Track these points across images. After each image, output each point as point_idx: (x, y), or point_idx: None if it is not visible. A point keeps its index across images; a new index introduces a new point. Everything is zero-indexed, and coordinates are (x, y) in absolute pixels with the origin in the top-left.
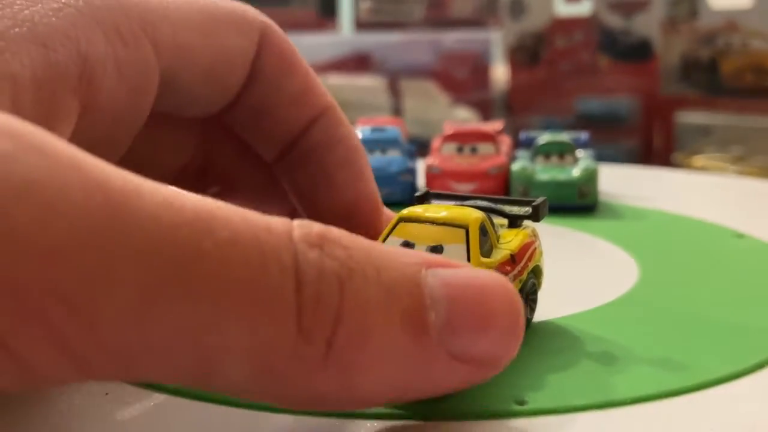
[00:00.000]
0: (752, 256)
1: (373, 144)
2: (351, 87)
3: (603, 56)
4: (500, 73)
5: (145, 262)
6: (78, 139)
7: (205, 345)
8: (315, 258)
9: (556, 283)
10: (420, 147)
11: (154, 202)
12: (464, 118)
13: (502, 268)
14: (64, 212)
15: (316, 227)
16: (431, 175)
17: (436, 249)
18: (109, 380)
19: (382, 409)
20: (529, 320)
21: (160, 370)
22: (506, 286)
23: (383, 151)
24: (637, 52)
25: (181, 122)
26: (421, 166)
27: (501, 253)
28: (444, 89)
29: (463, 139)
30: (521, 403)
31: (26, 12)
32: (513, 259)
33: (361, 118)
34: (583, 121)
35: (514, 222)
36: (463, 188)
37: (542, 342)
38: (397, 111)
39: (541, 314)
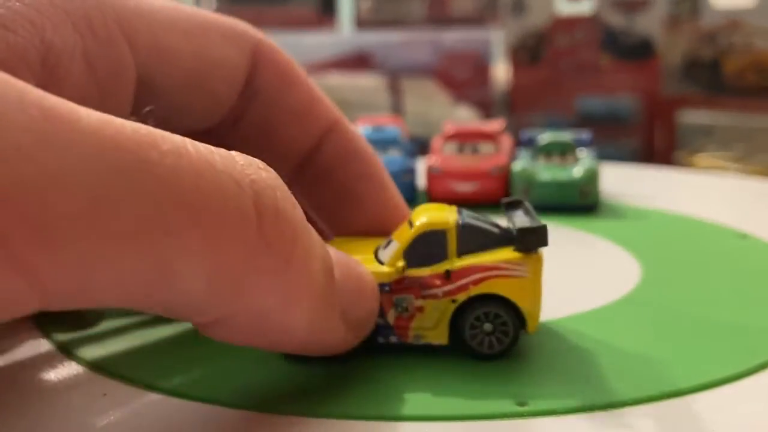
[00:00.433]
0: (755, 256)
1: (373, 143)
2: (351, 86)
3: (604, 55)
4: (501, 72)
5: (91, 169)
6: None
7: (162, 247)
8: (265, 177)
9: (557, 283)
10: (420, 146)
11: (94, 119)
12: (465, 117)
13: (431, 281)
14: (4, 126)
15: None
16: (432, 175)
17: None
18: (68, 304)
19: (381, 410)
20: (489, 354)
21: (117, 282)
22: (365, 269)
23: (383, 150)
24: (639, 51)
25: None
26: (421, 165)
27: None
28: (444, 88)
29: (464, 139)
30: (522, 404)
31: None
32: (447, 275)
33: (362, 117)
34: (585, 120)
35: (520, 245)
36: (464, 188)
37: (543, 343)
38: (397, 110)
39: (542, 315)
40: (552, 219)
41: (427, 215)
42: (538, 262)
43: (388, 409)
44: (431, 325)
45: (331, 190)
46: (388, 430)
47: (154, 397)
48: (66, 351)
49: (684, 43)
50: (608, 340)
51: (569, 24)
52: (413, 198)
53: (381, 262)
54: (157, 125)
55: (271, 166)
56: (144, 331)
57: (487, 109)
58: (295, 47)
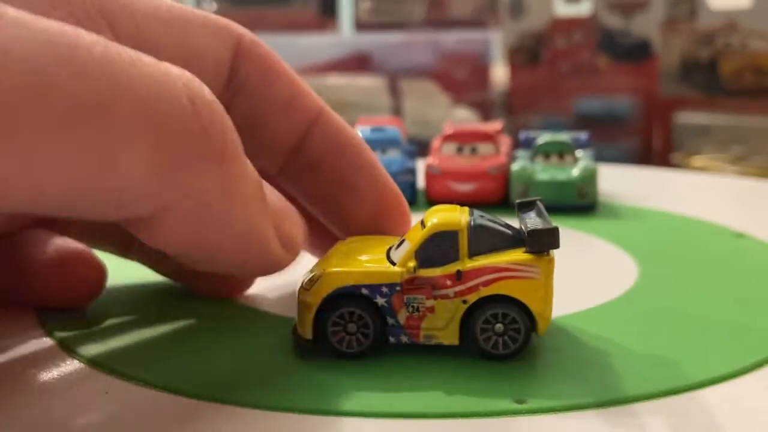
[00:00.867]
0: (752, 256)
1: (373, 144)
2: (351, 87)
3: (602, 56)
4: (500, 73)
5: (27, 52)
6: None
7: (100, 131)
8: (193, 78)
9: (555, 282)
10: (419, 147)
11: (18, 15)
12: (464, 118)
13: (442, 281)
14: None
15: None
16: (431, 175)
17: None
18: (13, 197)
19: (376, 407)
20: (500, 354)
21: (59, 168)
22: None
23: (383, 151)
24: (637, 53)
25: None
26: (421, 166)
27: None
28: (444, 89)
29: (463, 139)
30: (520, 401)
31: None
32: (458, 276)
33: (361, 118)
34: (583, 121)
35: (531, 246)
36: (463, 188)
37: (541, 341)
38: (396, 111)
39: None
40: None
41: (439, 216)
42: (550, 263)
43: (383, 406)
44: (442, 326)
45: (325, 181)
46: (384, 427)
47: (156, 394)
48: (67, 348)
49: (681, 44)
50: (605, 338)
51: (567, 25)
52: (413, 198)
53: (393, 263)
54: None
55: (260, 160)
56: (145, 329)
57: (486, 110)
58: (295, 49)
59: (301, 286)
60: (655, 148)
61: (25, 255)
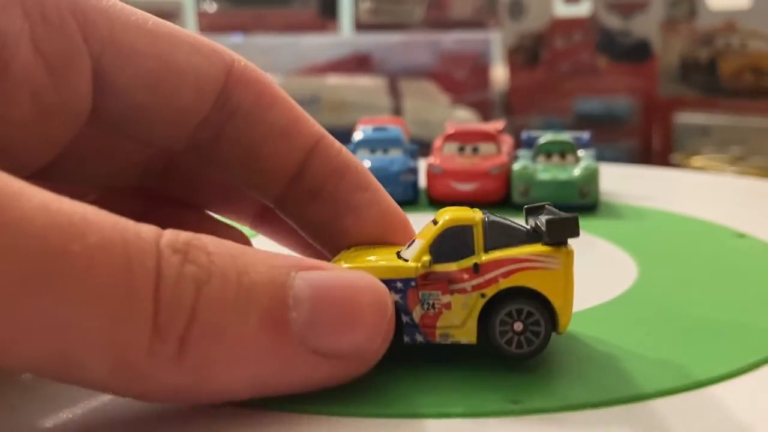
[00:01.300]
0: (753, 256)
1: (375, 144)
2: (351, 87)
3: (602, 57)
4: (500, 73)
5: (15, 258)
6: None
7: (67, 339)
8: (176, 262)
9: None
10: (420, 147)
11: (31, 205)
12: (464, 118)
13: (459, 275)
14: None
15: (183, 235)
16: (433, 175)
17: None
18: None
19: (372, 408)
20: (520, 354)
21: (27, 360)
22: (374, 286)
23: (385, 150)
24: (636, 53)
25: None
26: (422, 166)
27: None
28: (444, 90)
29: (465, 139)
30: (515, 401)
31: None
32: (475, 268)
33: (363, 118)
34: (582, 122)
35: (549, 236)
36: (464, 188)
37: None
38: (396, 111)
39: None
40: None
41: (452, 213)
42: (569, 256)
43: (379, 407)
44: (459, 323)
45: (326, 206)
46: (380, 427)
47: None
48: None
49: (681, 44)
50: (603, 338)
51: (567, 26)
52: (415, 198)
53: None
54: (125, 131)
55: (259, 187)
56: None
57: (485, 111)
58: (295, 49)
59: None
60: (655, 148)
61: None
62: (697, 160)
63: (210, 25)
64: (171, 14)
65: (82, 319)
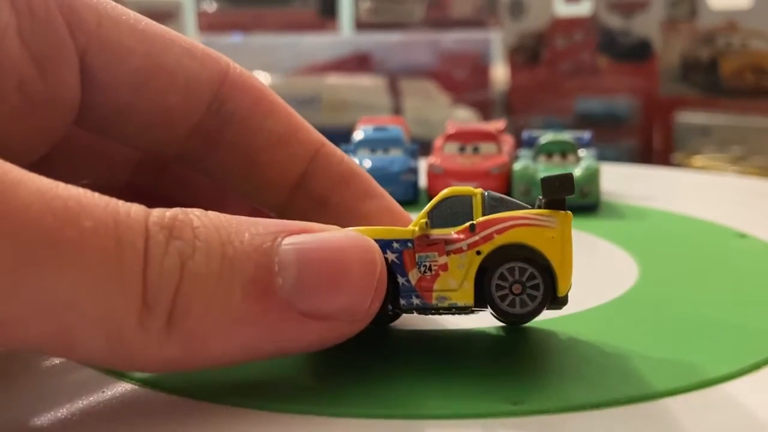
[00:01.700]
0: (754, 256)
1: (375, 143)
2: (351, 87)
3: (602, 56)
4: (500, 73)
5: (12, 242)
6: None
7: (65, 318)
8: (162, 239)
9: None
10: (420, 147)
11: (28, 192)
12: (464, 118)
13: (455, 237)
14: None
15: (170, 211)
16: (433, 175)
17: None
18: None
19: (371, 409)
20: (518, 314)
21: (29, 339)
22: (363, 244)
23: (385, 150)
24: (637, 52)
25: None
26: (423, 165)
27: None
28: (444, 89)
29: (466, 139)
30: (516, 403)
31: None
32: (472, 228)
33: (363, 117)
34: (583, 121)
35: (544, 193)
36: None
37: (539, 341)
38: (397, 111)
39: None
40: None
41: (453, 187)
42: (567, 218)
43: (379, 407)
44: (455, 286)
45: (334, 213)
46: (379, 427)
47: (153, 394)
48: None
49: (681, 44)
50: (604, 339)
51: (568, 25)
52: (415, 198)
53: None
54: (112, 131)
55: (262, 195)
56: None
57: (485, 110)
58: (295, 49)
59: None
60: (656, 148)
61: None
62: (698, 160)
63: (209, 24)
64: (170, 14)
65: (78, 299)
